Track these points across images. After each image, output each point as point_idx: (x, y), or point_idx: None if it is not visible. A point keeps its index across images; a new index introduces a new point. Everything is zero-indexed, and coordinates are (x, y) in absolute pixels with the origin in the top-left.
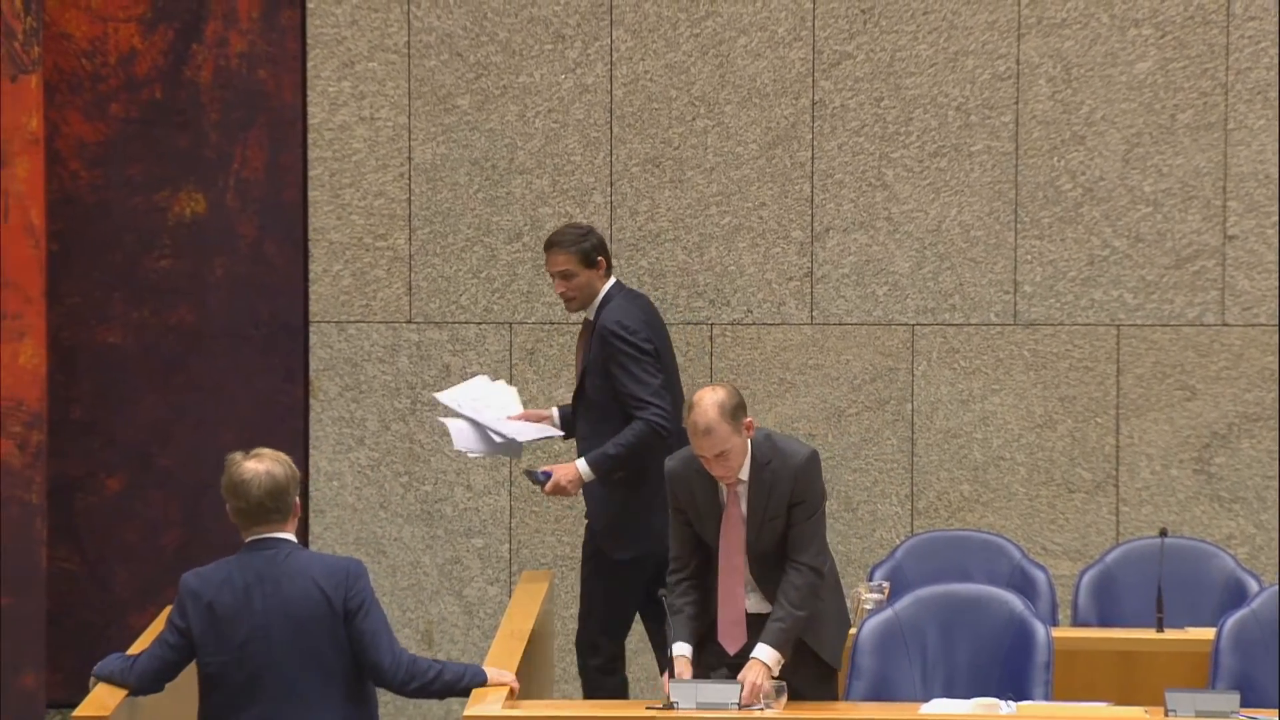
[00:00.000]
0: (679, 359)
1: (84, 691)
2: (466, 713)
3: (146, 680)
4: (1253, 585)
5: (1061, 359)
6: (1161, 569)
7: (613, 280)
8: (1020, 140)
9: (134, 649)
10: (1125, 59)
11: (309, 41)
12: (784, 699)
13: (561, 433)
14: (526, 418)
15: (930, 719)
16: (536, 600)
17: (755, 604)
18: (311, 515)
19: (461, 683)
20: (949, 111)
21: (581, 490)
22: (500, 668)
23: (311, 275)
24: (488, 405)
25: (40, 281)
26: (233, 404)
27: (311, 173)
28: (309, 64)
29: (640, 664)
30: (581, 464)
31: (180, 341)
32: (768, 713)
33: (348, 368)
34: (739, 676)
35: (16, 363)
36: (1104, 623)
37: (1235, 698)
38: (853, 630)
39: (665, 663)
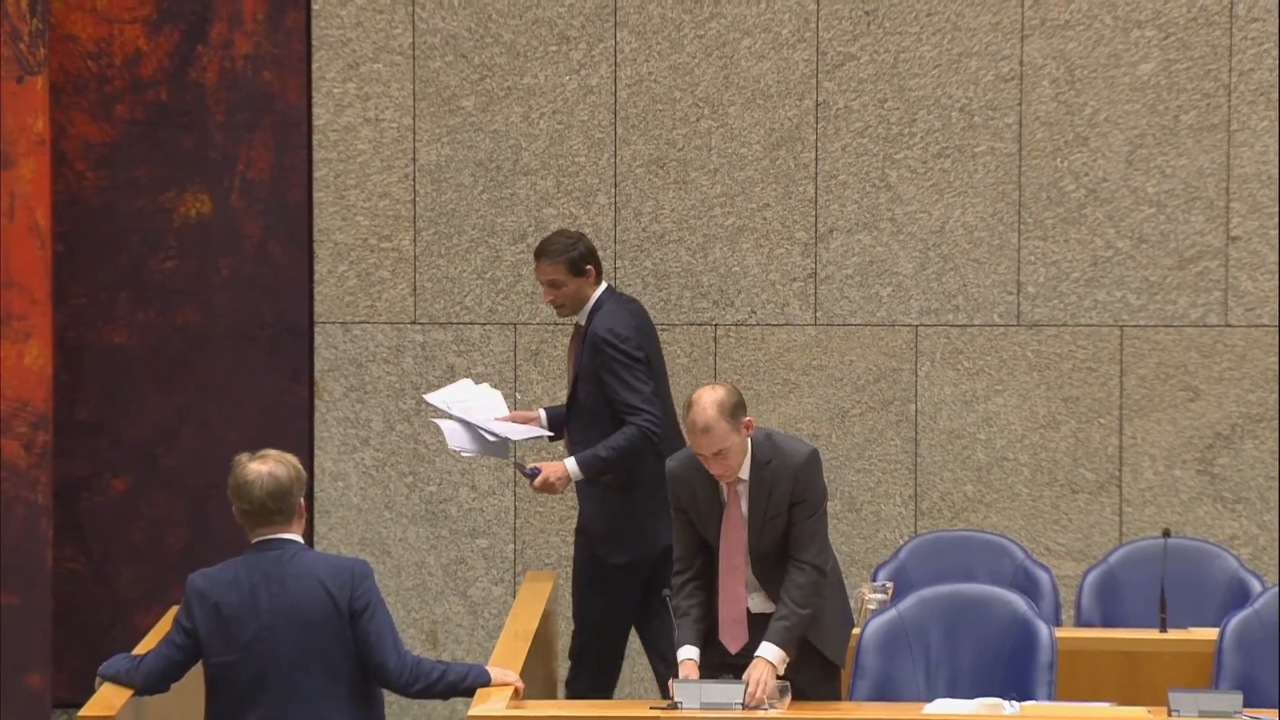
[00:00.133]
0: (683, 360)
1: (89, 691)
2: (471, 713)
3: (153, 680)
4: (1255, 586)
5: (1065, 360)
6: (1165, 569)
7: (604, 286)
8: (1024, 141)
9: (140, 649)
10: (1128, 60)
11: (314, 43)
12: (788, 698)
13: (550, 433)
14: (514, 419)
15: (934, 719)
16: (541, 600)
17: (759, 604)
18: (316, 516)
19: (465, 683)
20: (952, 113)
21: (578, 497)
22: (504, 668)
23: (316, 276)
24: (475, 406)
25: (46, 282)
26: (238, 404)
27: (316, 174)
28: (314, 65)
29: (644, 663)
30: (571, 463)
31: (186, 342)
32: (772, 712)
33: (353, 368)
34: (745, 675)
35: (22, 363)
36: (1107, 623)
37: (1238, 698)
38: (856, 630)
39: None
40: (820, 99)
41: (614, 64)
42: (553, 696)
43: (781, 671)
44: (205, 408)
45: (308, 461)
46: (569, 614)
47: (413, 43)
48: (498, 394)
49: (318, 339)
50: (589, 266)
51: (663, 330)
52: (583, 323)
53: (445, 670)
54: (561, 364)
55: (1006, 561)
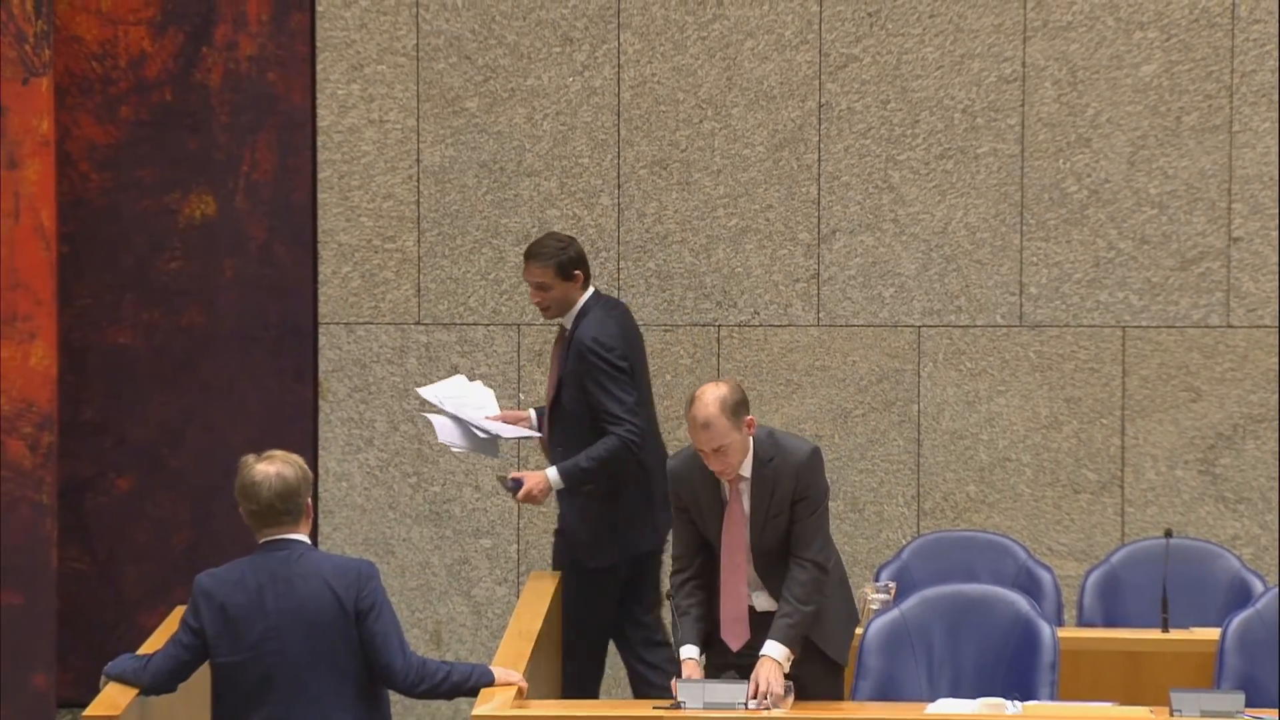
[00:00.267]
0: (686, 361)
1: (94, 691)
2: (474, 712)
3: (161, 680)
4: (1257, 586)
5: (1067, 360)
6: (1166, 569)
7: (590, 290)
8: (1026, 143)
9: (144, 649)
10: (1130, 62)
11: (318, 45)
12: (791, 698)
13: (540, 433)
14: (504, 418)
15: (936, 719)
16: (544, 600)
17: (763, 602)
18: (320, 516)
19: (469, 683)
20: (955, 114)
21: (558, 501)
22: (508, 667)
23: (320, 277)
24: (467, 403)
25: (51, 283)
26: (242, 405)
27: (321, 175)
28: (318, 67)
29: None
30: (552, 473)
31: (190, 343)
32: (776, 712)
33: (356, 369)
34: (752, 675)
35: (27, 364)
36: (1109, 623)
37: (1240, 698)
38: (859, 630)
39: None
40: (823, 100)
41: (617, 65)
42: (556, 696)
43: (787, 669)
44: (210, 408)
45: (312, 462)
46: None
47: (417, 44)
48: (490, 392)
49: (322, 340)
50: (578, 271)
51: (665, 331)
52: (568, 326)
53: (450, 671)
54: None
55: (1009, 561)
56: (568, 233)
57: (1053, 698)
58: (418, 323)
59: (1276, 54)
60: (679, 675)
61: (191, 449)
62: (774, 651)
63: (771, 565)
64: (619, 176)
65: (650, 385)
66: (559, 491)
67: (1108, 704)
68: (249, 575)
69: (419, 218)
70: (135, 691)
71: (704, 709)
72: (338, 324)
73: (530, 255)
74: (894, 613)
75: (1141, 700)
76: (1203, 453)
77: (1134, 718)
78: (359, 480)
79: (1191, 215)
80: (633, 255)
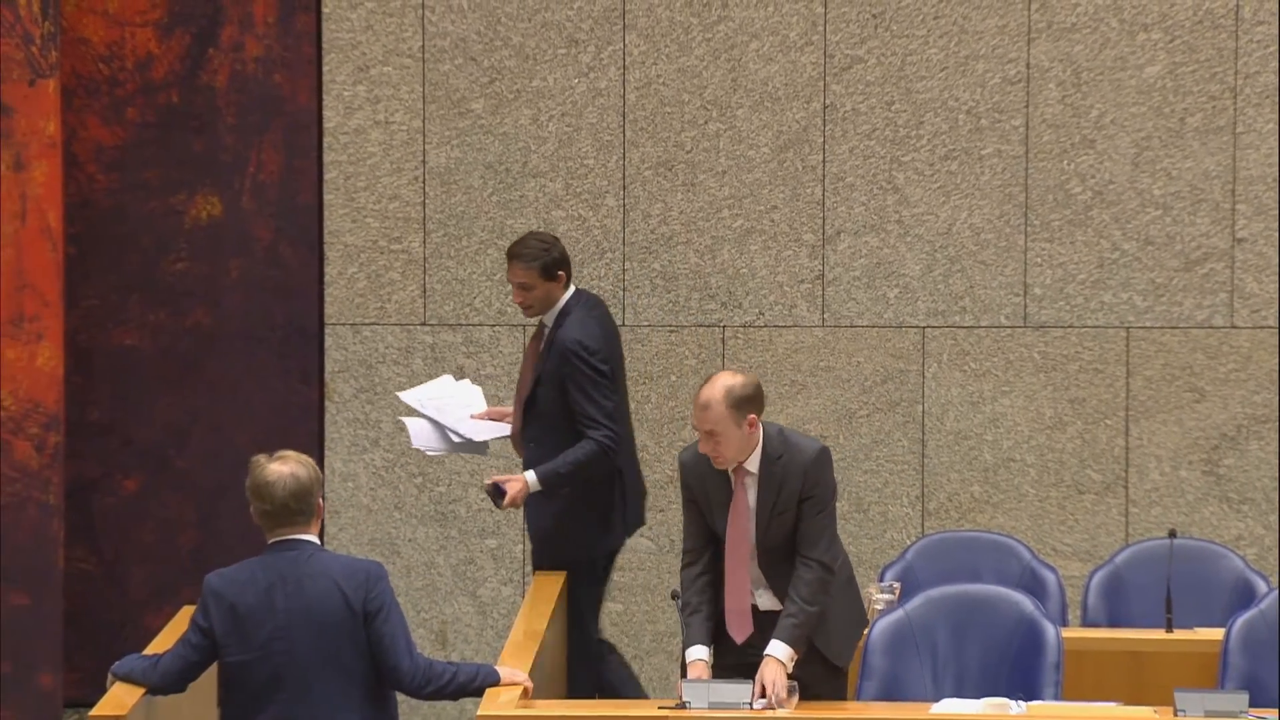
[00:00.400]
0: (691, 361)
1: (101, 691)
2: (480, 712)
3: (170, 679)
4: (1261, 586)
5: (1071, 361)
6: (1170, 570)
7: (572, 290)
8: (1030, 144)
9: (151, 649)
10: (1134, 63)
11: (324, 46)
12: (795, 698)
13: (508, 431)
14: (490, 416)
15: (941, 719)
16: (549, 601)
17: (766, 601)
18: (327, 516)
19: (475, 683)
20: (959, 115)
21: (525, 506)
22: (513, 668)
23: (326, 278)
24: (450, 405)
25: (57, 284)
26: (248, 406)
27: (327, 176)
28: (324, 68)
29: (653, 664)
30: (531, 475)
31: (196, 343)
32: (780, 712)
33: (362, 370)
34: (757, 675)
35: (34, 365)
36: (1113, 623)
37: (1244, 698)
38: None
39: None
40: (828, 101)
41: (622, 67)
42: (561, 696)
43: (791, 669)
44: (216, 409)
45: (318, 462)
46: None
47: (422, 46)
48: (477, 390)
49: (328, 340)
50: (561, 271)
51: (670, 332)
52: (549, 324)
53: (456, 671)
54: None
55: (1013, 562)
56: (572, 234)
57: (1057, 698)
58: (423, 324)
59: (1279, 55)
60: (684, 676)
61: (198, 449)
62: (778, 652)
63: (776, 563)
64: (624, 178)
65: (626, 386)
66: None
67: (1112, 704)
68: (259, 575)
69: (425, 219)
70: (142, 691)
71: (709, 709)
72: (343, 325)
73: (514, 255)
74: (899, 613)
75: (1145, 700)
76: (1207, 453)
77: (1138, 718)
78: (365, 480)
79: (1195, 216)
80: (638, 256)
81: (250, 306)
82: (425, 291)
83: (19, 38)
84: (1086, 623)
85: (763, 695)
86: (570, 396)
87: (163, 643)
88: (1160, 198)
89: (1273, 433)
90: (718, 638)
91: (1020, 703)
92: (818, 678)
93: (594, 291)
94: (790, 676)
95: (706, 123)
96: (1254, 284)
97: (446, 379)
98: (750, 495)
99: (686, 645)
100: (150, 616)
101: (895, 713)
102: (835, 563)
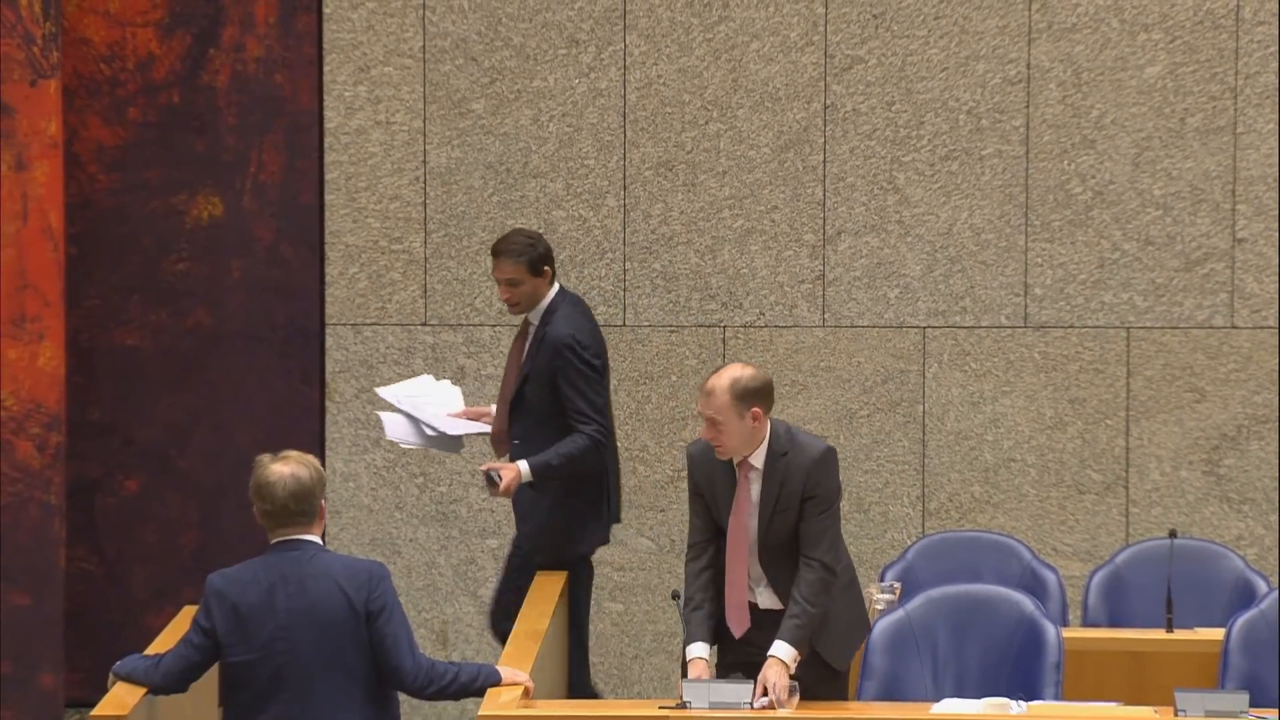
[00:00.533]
0: (692, 361)
1: (102, 691)
2: (481, 712)
3: (172, 680)
4: (1261, 586)
5: (1072, 361)
6: (1171, 570)
7: (556, 287)
8: (1031, 144)
9: (152, 649)
10: (1135, 63)
11: (325, 46)
12: (796, 698)
13: (489, 428)
14: (467, 415)
15: (941, 719)
16: (550, 600)
17: (766, 600)
18: (328, 516)
19: (476, 683)
20: (960, 115)
21: (515, 502)
22: (514, 667)
23: (327, 278)
24: (428, 402)
25: (59, 284)
26: (250, 406)
27: (328, 176)
28: (325, 69)
29: (653, 664)
30: (524, 465)
31: (198, 344)
32: (781, 712)
33: (363, 370)
34: (759, 675)
35: (35, 365)
36: (1114, 623)
37: (1244, 698)
38: None
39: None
40: (828, 102)
41: (623, 67)
42: (562, 696)
43: (793, 670)
44: (217, 409)
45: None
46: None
47: (423, 46)
48: (456, 390)
49: (329, 340)
50: (546, 267)
51: (671, 332)
52: (535, 322)
53: (458, 672)
54: None
55: (1014, 562)
56: (573, 234)
57: (1057, 698)
58: (424, 324)
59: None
60: (685, 675)
61: (199, 449)
62: (781, 652)
63: (776, 560)
64: (625, 178)
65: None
66: (520, 486)
67: (1112, 704)
68: (261, 575)
69: (425, 219)
70: (143, 691)
71: (710, 709)
72: (345, 325)
73: (499, 252)
74: (899, 613)
75: (1146, 700)
76: (1207, 453)
77: (1138, 718)
78: (366, 481)
79: (1196, 216)
80: (638, 256)
81: (251, 307)
82: (426, 292)
83: (20, 38)
84: (1087, 623)
85: (764, 694)
86: (561, 391)
87: (164, 643)
88: (1160, 198)
89: (1273, 433)
90: (719, 635)
91: (1020, 703)
92: (816, 679)
93: (595, 292)
94: (791, 676)
95: (707, 123)
96: (1254, 284)
97: (426, 378)
98: (754, 490)
99: (687, 642)
100: (151, 616)
101: (895, 713)
102: (838, 565)
